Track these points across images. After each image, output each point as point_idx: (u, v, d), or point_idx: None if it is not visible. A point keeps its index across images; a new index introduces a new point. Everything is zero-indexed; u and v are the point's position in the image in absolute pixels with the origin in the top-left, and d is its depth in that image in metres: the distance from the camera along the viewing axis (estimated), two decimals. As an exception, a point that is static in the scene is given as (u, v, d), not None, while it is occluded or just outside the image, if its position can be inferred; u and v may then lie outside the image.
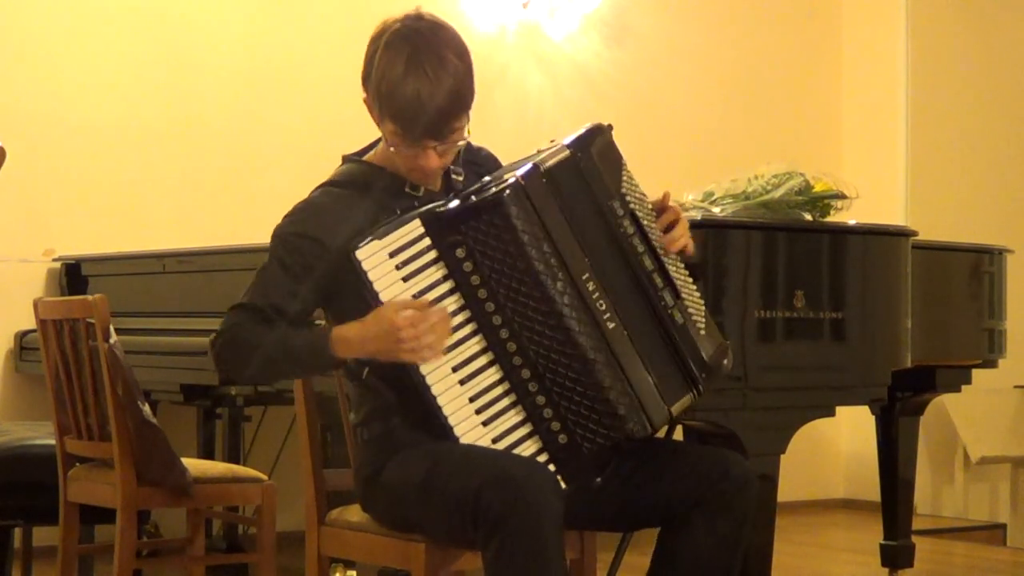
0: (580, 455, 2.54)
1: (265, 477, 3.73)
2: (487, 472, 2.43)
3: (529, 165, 2.56)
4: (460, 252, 2.52)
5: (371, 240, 2.51)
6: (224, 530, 4.79)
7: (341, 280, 2.59)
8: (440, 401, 2.51)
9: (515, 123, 6.21)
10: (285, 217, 2.67)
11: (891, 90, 7.36)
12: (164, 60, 5.84)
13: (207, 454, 4.74)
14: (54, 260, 5.53)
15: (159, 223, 5.73)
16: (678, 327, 2.63)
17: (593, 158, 2.63)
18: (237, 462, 4.35)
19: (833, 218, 3.86)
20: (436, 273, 2.53)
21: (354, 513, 2.83)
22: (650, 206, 2.69)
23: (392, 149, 2.60)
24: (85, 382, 3.53)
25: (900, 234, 3.81)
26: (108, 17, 5.75)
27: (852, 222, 3.76)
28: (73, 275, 5.44)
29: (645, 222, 2.65)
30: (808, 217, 3.79)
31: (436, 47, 2.53)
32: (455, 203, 2.57)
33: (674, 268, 2.67)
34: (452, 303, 2.53)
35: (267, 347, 2.58)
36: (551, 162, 2.58)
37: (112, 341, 3.42)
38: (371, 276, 2.51)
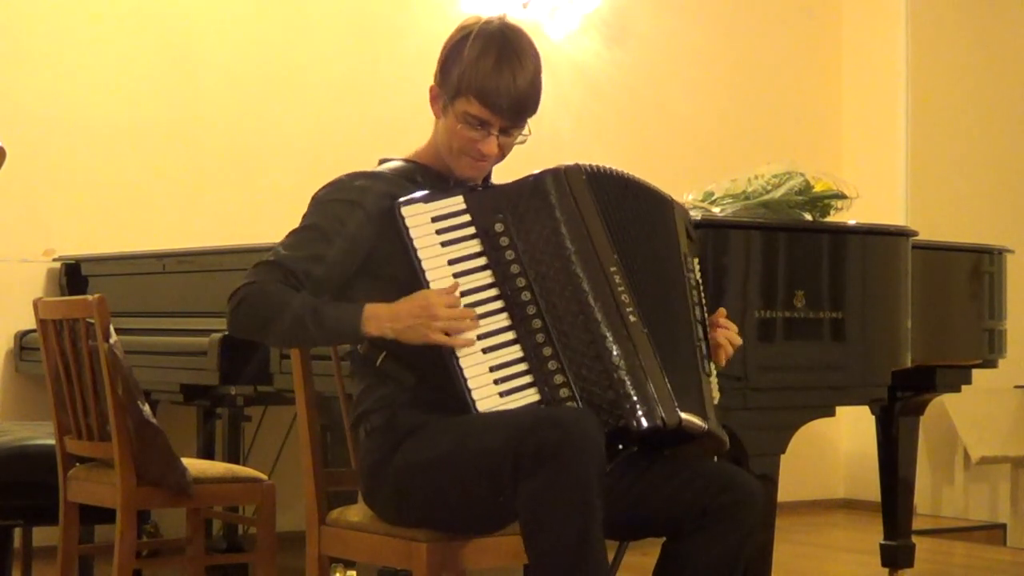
0: None
1: (265, 477, 3.72)
2: (536, 415, 2.47)
3: (573, 163, 2.69)
4: (499, 227, 2.61)
5: (418, 201, 2.60)
6: (224, 530, 4.79)
7: (379, 248, 2.63)
8: (465, 371, 2.53)
9: (515, 123, 6.19)
10: (325, 186, 2.72)
11: (891, 90, 7.36)
12: (164, 60, 5.84)
13: (207, 454, 4.74)
14: (54, 260, 5.53)
15: (159, 223, 5.73)
16: (704, 373, 2.71)
17: (669, 206, 2.79)
18: (237, 462, 4.35)
19: (833, 218, 3.86)
20: (473, 247, 2.61)
21: (355, 513, 2.83)
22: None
23: (455, 130, 2.67)
24: (85, 382, 3.53)
25: (900, 234, 3.81)
26: (108, 17, 5.75)
27: (852, 222, 3.76)
28: (73, 275, 5.44)
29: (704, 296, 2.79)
30: (808, 217, 3.80)
31: (524, 45, 2.70)
32: (499, 185, 2.70)
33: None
34: (485, 277, 2.59)
35: (296, 309, 2.58)
36: (593, 169, 2.70)
37: (112, 341, 3.42)
38: (413, 233, 2.58)
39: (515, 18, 7.18)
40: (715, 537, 2.57)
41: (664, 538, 2.67)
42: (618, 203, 2.70)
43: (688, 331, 2.71)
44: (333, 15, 6.18)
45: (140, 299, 5.15)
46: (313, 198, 2.72)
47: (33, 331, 4.16)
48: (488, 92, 2.63)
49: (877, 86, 7.46)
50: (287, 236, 2.69)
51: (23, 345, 5.37)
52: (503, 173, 2.79)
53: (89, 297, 3.47)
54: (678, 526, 2.60)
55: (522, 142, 2.75)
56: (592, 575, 2.38)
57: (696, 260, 2.81)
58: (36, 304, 3.70)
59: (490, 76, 2.63)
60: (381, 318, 2.57)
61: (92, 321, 3.44)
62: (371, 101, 6.20)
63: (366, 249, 2.66)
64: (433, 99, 2.74)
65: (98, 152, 5.70)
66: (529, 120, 2.73)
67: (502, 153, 2.73)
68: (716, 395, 2.76)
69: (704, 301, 2.79)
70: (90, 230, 5.65)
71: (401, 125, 5.88)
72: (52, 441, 3.74)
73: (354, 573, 4.20)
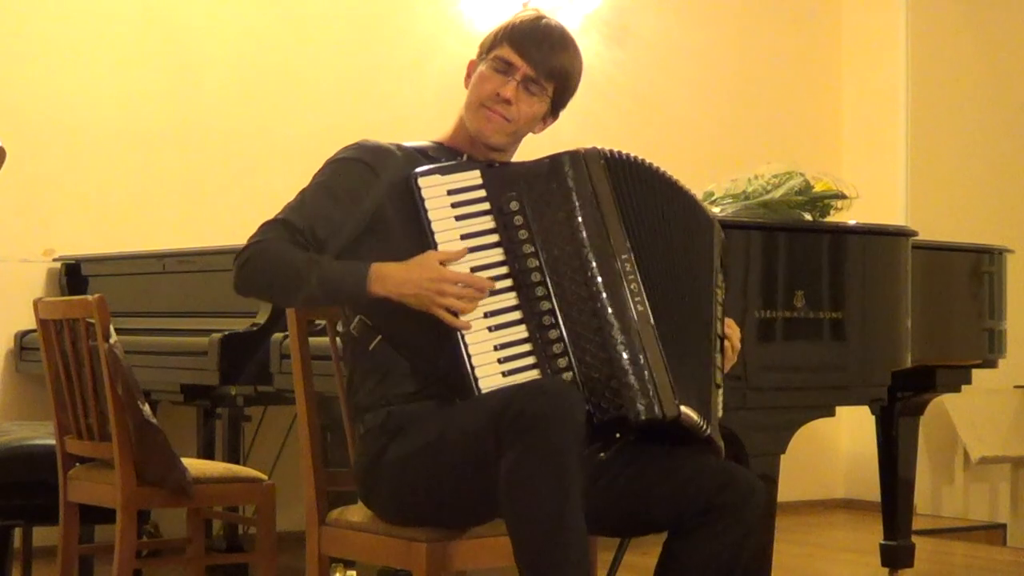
0: (589, 424, 2.54)
1: (265, 477, 3.73)
2: (518, 387, 2.47)
3: (592, 147, 2.70)
4: (514, 205, 2.61)
5: (435, 173, 2.60)
6: (224, 530, 4.79)
7: (386, 216, 2.64)
8: (471, 347, 2.53)
9: (515, 123, 6.19)
10: (340, 150, 2.74)
11: (891, 90, 7.36)
12: (164, 61, 5.84)
13: (207, 454, 4.74)
14: (54, 260, 5.53)
15: (159, 223, 5.73)
16: (714, 384, 2.71)
17: (704, 214, 2.83)
18: (237, 462, 4.35)
19: (833, 218, 3.87)
20: (486, 223, 2.61)
21: (355, 513, 2.83)
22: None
23: (480, 78, 2.71)
24: (85, 382, 3.54)
25: (900, 234, 3.81)
26: (108, 18, 5.74)
27: (852, 222, 3.76)
28: (73, 275, 5.44)
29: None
30: (808, 217, 3.80)
31: (568, 34, 2.80)
32: (515, 164, 2.71)
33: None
34: (496, 255, 2.59)
35: (300, 265, 2.59)
36: (614, 155, 2.71)
37: (112, 341, 3.42)
38: (428, 205, 2.58)
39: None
40: (718, 534, 2.57)
41: (665, 536, 2.66)
42: (634, 191, 2.70)
43: (704, 331, 2.71)
44: (333, 17, 6.18)
45: (140, 299, 5.15)
46: (327, 160, 2.73)
47: (33, 331, 4.16)
48: (523, 39, 2.71)
49: (877, 86, 7.45)
50: (297, 196, 2.70)
51: (23, 345, 5.37)
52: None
53: (89, 297, 3.47)
54: (680, 523, 2.60)
55: (532, 113, 2.74)
56: (570, 544, 2.38)
57: (723, 280, 2.82)
58: (36, 304, 3.70)
59: (528, 30, 2.73)
60: (386, 279, 2.56)
61: (92, 321, 3.44)
62: (371, 102, 6.20)
63: (373, 212, 2.66)
64: (468, 75, 2.78)
65: (98, 152, 5.70)
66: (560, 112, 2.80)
67: (525, 117, 2.72)
68: (720, 411, 2.76)
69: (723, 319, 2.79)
70: (90, 230, 5.65)
71: (401, 126, 5.87)
72: (52, 441, 3.74)
73: (354, 573, 4.21)
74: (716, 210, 3.74)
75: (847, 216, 3.90)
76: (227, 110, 5.94)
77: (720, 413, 2.75)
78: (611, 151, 2.70)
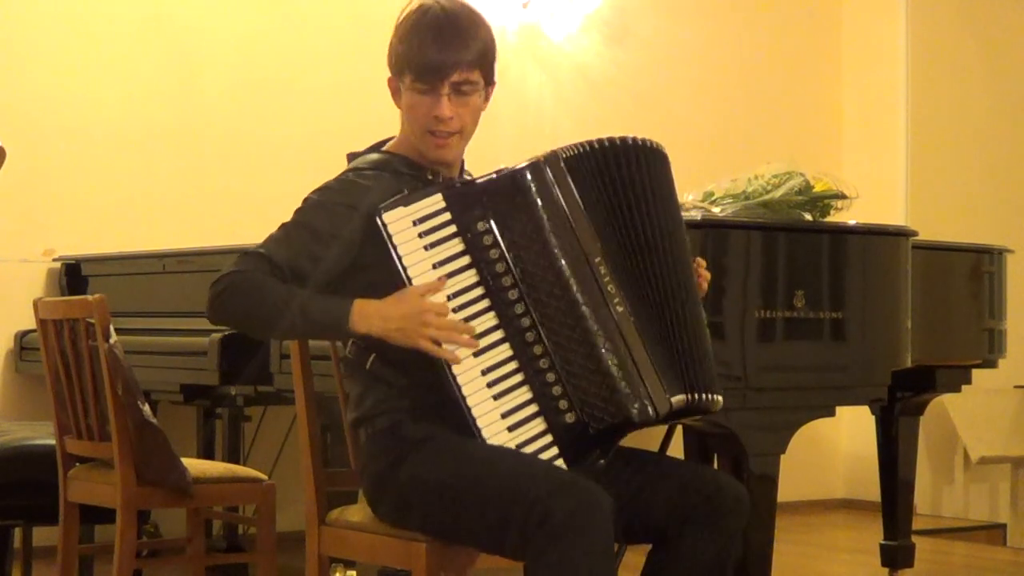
0: (585, 436, 2.54)
1: (265, 477, 3.73)
2: (549, 479, 2.44)
3: (549, 151, 2.64)
4: (481, 225, 2.57)
5: (398, 206, 2.57)
6: (224, 530, 4.79)
7: (368, 251, 2.61)
8: (459, 377, 2.52)
9: (515, 124, 6.20)
10: (315, 190, 2.70)
11: (891, 90, 7.36)
12: (165, 61, 5.84)
13: (207, 454, 4.74)
14: (54, 260, 5.53)
15: (159, 223, 5.73)
16: (705, 343, 2.69)
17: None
18: (237, 462, 4.35)
19: (833, 218, 3.86)
20: (456, 246, 2.58)
21: (355, 513, 2.83)
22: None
23: (413, 107, 2.71)
24: (85, 382, 3.53)
25: (900, 234, 3.81)
26: (109, 19, 5.75)
27: (852, 222, 3.76)
28: (73, 275, 5.44)
29: None
30: (808, 217, 3.80)
31: (456, 6, 2.73)
32: (477, 180, 2.64)
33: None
34: (469, 277, 2.57)
35: (282, 300, 2.55)
36: (569, 152, 2.65)
37: (112, 341, 3.42)
38: (396, 240, 2.55)
39: (516, 20, 7.16)
40: (701, 542, 2.58)
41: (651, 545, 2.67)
42: (599, 186, 2.64)
43: (686, 306, 2.66)
44: (333, 16, 6.18)
45: (140, 299, 5.15)
46: (305, 200, 2.70)
47: (33, 331, 4.16)
48: (428, 56, 2.67)
49: (877, 86, 7.46)
50: (279, 230, 2.66)
51: (23, 345, 5.38)
52: (494, 165, 2.78)
53: (89, 297, 3.47)
54: (665, 533, 2.61)
55: (474, 95, 2.70)
56: None
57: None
58: (36, 304, 3.70)
59: (427, 40, 2.68)
60: (370, 317, 2.54)
61: (92, 321, 3.44)
62: (371, 102, 6.14)
63: (356, 252, 2.63)
64: (393, 91, 2.79)
65: (98, 152, 5.70)
66: (491, 73, 2.72)
67: (470, 115, 2.69)
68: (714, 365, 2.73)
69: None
70: (90, 230, 5.65)
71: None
72: (52, 441, 3.74)
73: (354, 573, 4.21)
74: (716, 210, 3.74)
75: (847, 216, 3.90)
76: (227, 111, 5.94)
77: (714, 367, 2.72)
78: (569, 150, 2.64)
